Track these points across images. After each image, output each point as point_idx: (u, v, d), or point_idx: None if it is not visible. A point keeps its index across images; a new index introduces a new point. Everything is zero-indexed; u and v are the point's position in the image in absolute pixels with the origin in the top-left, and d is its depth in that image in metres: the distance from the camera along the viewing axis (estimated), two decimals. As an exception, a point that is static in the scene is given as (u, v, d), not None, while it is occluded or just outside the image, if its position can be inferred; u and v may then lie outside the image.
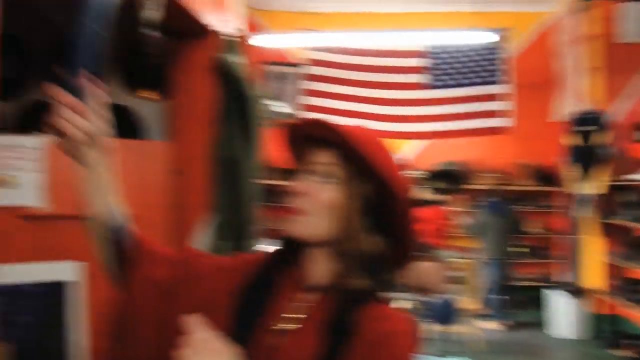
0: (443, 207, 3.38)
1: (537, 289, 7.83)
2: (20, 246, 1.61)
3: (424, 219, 3.82)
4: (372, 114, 7.61)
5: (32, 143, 1.65)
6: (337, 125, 1.07)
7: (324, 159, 1.10)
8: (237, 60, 1.91)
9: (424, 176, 4.78)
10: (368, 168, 1.08)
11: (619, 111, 6.55)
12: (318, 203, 1.09)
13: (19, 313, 1.58)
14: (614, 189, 6.39)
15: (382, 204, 1.10)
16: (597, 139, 6.31)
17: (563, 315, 6.60)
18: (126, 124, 2.10)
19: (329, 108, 7.70)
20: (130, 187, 1.77)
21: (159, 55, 1.90)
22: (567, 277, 7.63)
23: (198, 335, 0.92)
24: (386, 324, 1.05)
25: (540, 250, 8.30)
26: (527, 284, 8.12)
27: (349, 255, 1.08)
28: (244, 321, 1.08)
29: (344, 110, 7.58)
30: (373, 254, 1.09)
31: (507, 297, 7.22)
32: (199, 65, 1.87)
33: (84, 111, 1.05)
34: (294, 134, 1.17)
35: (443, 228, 3.33)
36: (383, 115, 7.69)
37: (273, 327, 1.08)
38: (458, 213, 8.25)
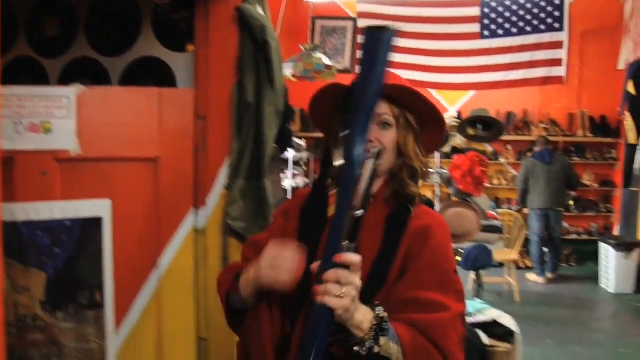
0: (478, 154, 3.37)
1: (590, 243, 7.71)
2: (56, 186, 1.76)
3: (458, 165, 3.79)
4: (425, 65, 7.53)
5: (66, 93, 1.79)
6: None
7: (379, 109, 1.37)
8: (258, 10, 1.97)
9: (456, 123, 4.71)
10: (415, 106, 1.42)
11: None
12: (384, 146, 1.39)
13: (56, 246, 1.75)
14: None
15: (423, 128, 1.46)
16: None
17: (616, 269, 6.48)
18: (159, 74, 2.21)
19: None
20: (161, 132, 1.89)
21: (182, 8, 1.99)
22: (621, 231, 7.47)
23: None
24: (426, 218, 1.40)
25: (595, 203, 8.10)
26: (579, 238, 7.98)
27: (406, 173, 1.42)
28: (310, 233, 1.38)
29: (396, 63, 7.51)
30: (420, 168, 1.44)
31: (553, 249, 7.12)
32: (222, 16, 1.94)
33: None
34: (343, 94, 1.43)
35: (478, 175, 3.32)
36: (436, 67, 7.60)
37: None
38: (503, 163, 8.15)
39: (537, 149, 7.15)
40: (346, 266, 1.17)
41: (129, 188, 1.87)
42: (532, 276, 7.11)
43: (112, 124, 1.84)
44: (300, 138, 7.27)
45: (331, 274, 1.16)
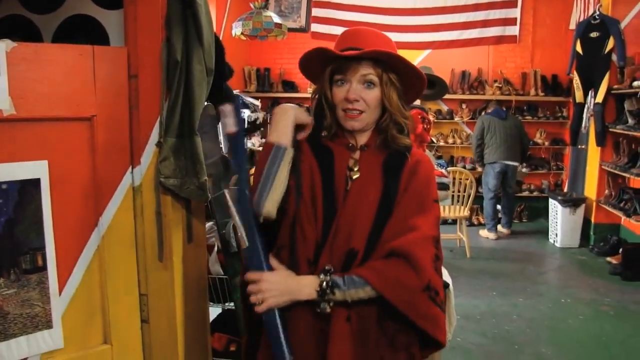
0: (421, 112, 3.41)
1: (541, 199, 7.94)
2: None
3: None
4: (381, 24, 7.51)
5: (-5, 48, 1.69)
6: (365, 43, 1.56)
7: (364, 70, 1.56)
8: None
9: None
10: (397, 65, 1.57)
11: (627, 16, 6.35)
12: (369, 104, 1.57)
13: (-3, 210, 1.68)
14: (619, 96, 6.30)
15: (405, 84, 1.61)
16: (601, 45, 6.16)
17: (562, 224, 6.72)
18: (93, 33, 2.17)
19: (335, 19, 7.61)
20: (96, 90, 1.88)
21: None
22: (570, 187, 7.71)
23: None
24: (417, 156, 1.62)
25: (547, 160, 8.31)
26: (531, 194, 8.21)
27: (394, 128, 1.60)
28: (327, 180, 1.60)
29: (351, 21, 7.49)
30: (404, 122, 1.62)
31: (507, 205, 7.31)
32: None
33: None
34: (324, 56, 1.60)
35: (420, 133, 3.37)
36: (392, 25, 7.59)
37: (345, 177, 1.61)
38: (457, 122, 8.28)
39: (490, 110, 7.29)
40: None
41: (66, 148, 1.83)
42: (484, 232, 7.31)
43: (45, 82, 1.77)
44: (256, 98, 7.24)
45: (249, 287, 1.55)
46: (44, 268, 1.80)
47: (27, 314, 1.78)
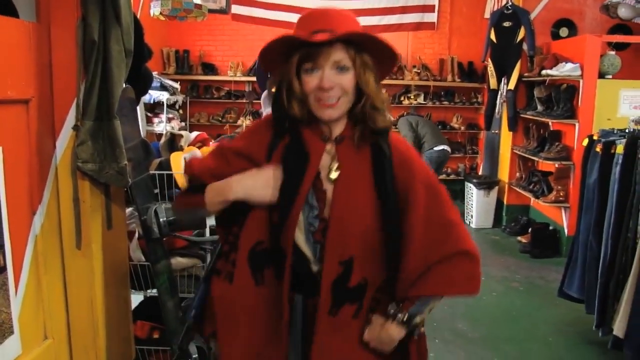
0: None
1: (458, 182, 8.21)
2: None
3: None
4: (299, 7, 7.47)
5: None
6: (337, 26, 1.42)
7: (336, 55, 1.43)
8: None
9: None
10: (370, 45, 1.45)
11: (536, 7, 6.67)
12: (343, 91, 1.46)
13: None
14: (529, 84, 6.61)
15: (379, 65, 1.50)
16: (513, 35, 6.43)
17: (477, 206, 7.00)
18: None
19: (255, 1, 7.52)
20: (32, 71, 1.75)
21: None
22: (484, 171, 8.03)
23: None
24: (398, 145, 1.56)
25: (462, 144, 8.58)
26: (448, 178, 8.46)
27: (372, 111, 1.49)
28: (293, 174, 1.49)
29: (270, 4, 7.43)
30: (382, 106, 1.51)
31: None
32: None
33: None
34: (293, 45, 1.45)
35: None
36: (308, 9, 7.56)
37: (323, 176, 1.51)
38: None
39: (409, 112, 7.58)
40: None
41: (13, 133, 1.70)
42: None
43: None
44: (175, 81, 7.07)
45: None
46: (4, 268, 1.65)
47: (-4, 323, 1.60)
